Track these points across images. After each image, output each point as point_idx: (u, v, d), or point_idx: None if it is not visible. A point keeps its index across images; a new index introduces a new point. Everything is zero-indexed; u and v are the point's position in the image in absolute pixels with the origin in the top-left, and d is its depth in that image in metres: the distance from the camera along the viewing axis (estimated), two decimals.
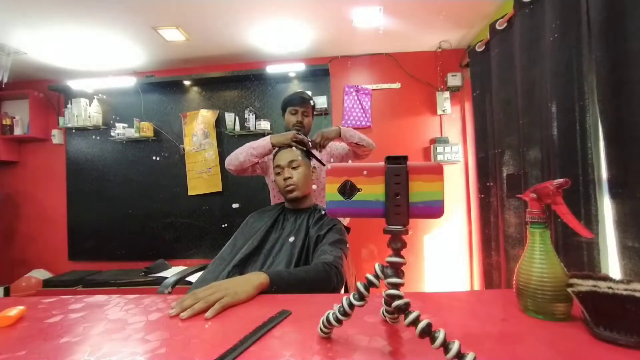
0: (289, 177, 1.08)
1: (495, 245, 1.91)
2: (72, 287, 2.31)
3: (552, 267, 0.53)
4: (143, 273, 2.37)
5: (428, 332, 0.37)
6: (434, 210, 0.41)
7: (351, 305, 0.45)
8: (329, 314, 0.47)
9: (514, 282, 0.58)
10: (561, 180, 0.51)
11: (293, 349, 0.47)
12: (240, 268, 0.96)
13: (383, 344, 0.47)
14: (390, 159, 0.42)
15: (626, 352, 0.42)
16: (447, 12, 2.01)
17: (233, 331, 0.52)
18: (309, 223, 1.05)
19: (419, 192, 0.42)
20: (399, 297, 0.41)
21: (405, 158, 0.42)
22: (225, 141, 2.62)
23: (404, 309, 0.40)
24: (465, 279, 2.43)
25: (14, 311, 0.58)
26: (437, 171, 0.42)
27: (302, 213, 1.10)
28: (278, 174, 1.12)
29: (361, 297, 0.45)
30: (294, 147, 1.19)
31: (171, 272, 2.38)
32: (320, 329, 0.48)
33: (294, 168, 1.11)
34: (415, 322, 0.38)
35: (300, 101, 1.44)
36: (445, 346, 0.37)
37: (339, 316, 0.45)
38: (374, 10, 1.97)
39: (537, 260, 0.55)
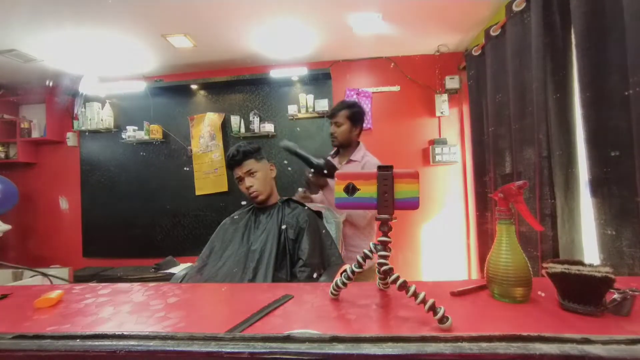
0: (251, 186, 1.16)
1: (491, 242, 1.98)
2: (87, 282, 2.44)
3: (515, 257, 0.61)
4: (153, 269, 2.49)
5: (404, 287, 0.53)
6: (412, 204, 0.56)
7: (352, 272, 0.60)
8: (337, 280, 0.62)
9: (485, 271, 0.66)
10: (521, 182, 0.59)
11: (297, 320, 0.56)
12: (241, 268, 1.06)
13: (377, 301, 0.63)
14: (380, 168, 0.57)
15: (583, 318, 0.53)
16: (445, 18, 2.08)
17: (242, 312, 0.61)
18: (283, 213, 1.18)
19: (401, 192, 0.57)
20: (386, 264, 0.57)
21: (391, 167, 0.57)
22: (231, 143, 2.71)
23: (389, 272, 0.56)
24: (463, 272, 2.51)
25: (54, 294, 0.68)
26: (414, 176, 0.57)
27: (272, 208, 1.21)
28: (240, 183, 1.19)
29: (360, 266, 0.60)
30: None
31: (179, 269, 2.49)
32: (331, 292, 0.63)
33: (252, 175, 1.17)
34: (395, 280, 0.54)
35: (331, 113, 1.68)
36: (416, 295, 0.51)
37: (345, 280, 0.61)
38: (373, 17, 2.04)
39: (504, 251, 0.62)
